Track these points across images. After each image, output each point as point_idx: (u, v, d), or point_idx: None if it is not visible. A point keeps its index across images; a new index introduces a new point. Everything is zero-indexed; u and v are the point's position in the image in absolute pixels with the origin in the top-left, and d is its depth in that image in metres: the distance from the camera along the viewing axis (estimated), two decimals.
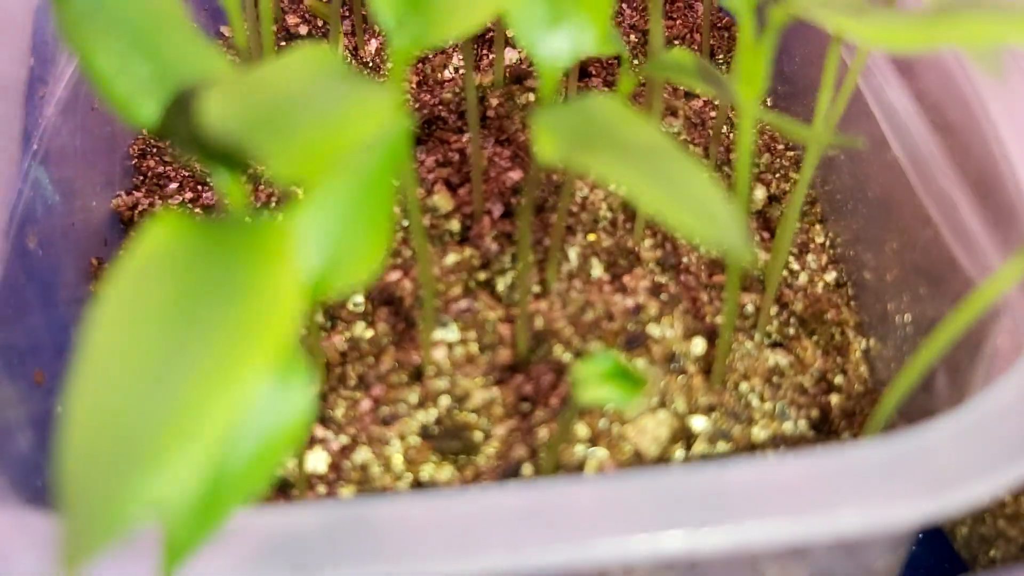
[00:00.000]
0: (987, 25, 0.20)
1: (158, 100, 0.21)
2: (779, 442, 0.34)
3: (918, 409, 0.33)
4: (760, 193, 0.44)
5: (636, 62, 0.51)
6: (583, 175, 0.40)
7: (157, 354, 0.17)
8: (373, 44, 0.51)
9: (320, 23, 0.52)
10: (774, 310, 0.39)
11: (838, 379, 0.37)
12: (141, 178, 0.46)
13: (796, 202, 0.35)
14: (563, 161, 0.22)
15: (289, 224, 0.20)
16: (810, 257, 0.42)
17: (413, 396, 0.34)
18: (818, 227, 0.43)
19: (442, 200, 0.42)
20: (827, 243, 0.43)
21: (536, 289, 0.38)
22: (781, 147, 0.47)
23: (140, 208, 0.44)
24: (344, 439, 0.33)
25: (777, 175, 0.46)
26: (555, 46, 0.26)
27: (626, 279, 0.38)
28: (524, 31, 0.26)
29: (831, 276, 0.41)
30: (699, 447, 0.32)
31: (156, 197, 0.45)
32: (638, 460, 0.32)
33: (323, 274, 0.21)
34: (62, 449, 0.16)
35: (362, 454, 0.32)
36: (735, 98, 0.26)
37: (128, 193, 0.45)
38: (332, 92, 0.22)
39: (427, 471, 0.32)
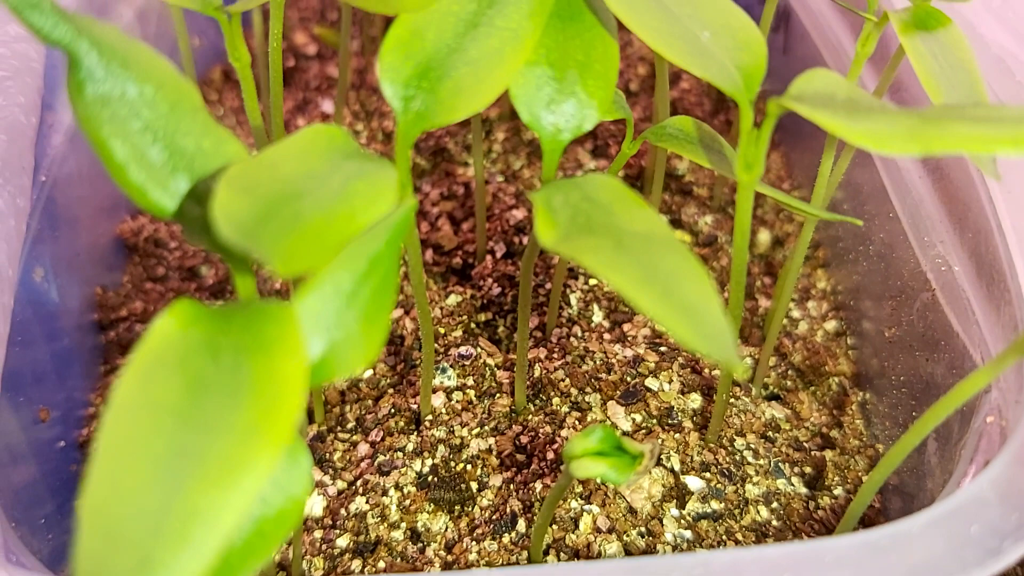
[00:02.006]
0: (974, 135, 0.21)
1: (173, 188, 0.21)
2: (772, 499, 0.34)
3: (909, 470, 0.34)
4: (764, 236, 0.45)
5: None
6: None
7: (170, 451, 0.18)
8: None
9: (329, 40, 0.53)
10: (773, 360, 0.39)
11: (834, 432, 0.37)
12: None
13: (796, 262, 0.35)
14: (560, 250, 0.23)
15: (294, 310, 0.20)
16: (811, 304, 0.42)
17: (410, 444, 0.35)
18: (820, 272, 0.44)
19: (445, 236, 0.43)
20: (829, 289, 0.43)
21: (537, 334, 0.38)
22: (786, 187, 0.48)
23: (145, 234, 0.45)
24: (341, 484, 0.34)
25: (781, 216, 0.46)
26: (558, 122, 0.27)
27: (626, 327, 0.38)
28: (528, 108, 0.26)
29: (831, 325, 0.41)
30: (692, 505, 0.33)
31: (161, 222, 0.45)
32: (632, 517, 0.32)
33: (323, 363, 0.21)
34: (81, 546, 0.16)
35: (359, 503, 0.33)
36: (735, 176, 0.26)
37: (133, 218, 0.45)
38: (339, 175, 0.23)
39: (422, 520, 0.33)
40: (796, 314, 0.41)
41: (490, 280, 0.41)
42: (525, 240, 0.42)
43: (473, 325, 0.39)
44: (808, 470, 0.35)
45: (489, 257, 0.41)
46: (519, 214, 0.43)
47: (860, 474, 0.36)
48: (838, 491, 0.35)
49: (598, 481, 0.33)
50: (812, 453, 0.36)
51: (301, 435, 0.20)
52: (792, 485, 0.35)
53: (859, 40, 0.29)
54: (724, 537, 0.32)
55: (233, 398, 0.19)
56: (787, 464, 0.35)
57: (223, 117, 0.50)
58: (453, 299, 0.40)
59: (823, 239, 0.44)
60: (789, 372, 0.39)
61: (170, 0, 0.25)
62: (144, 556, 0.17)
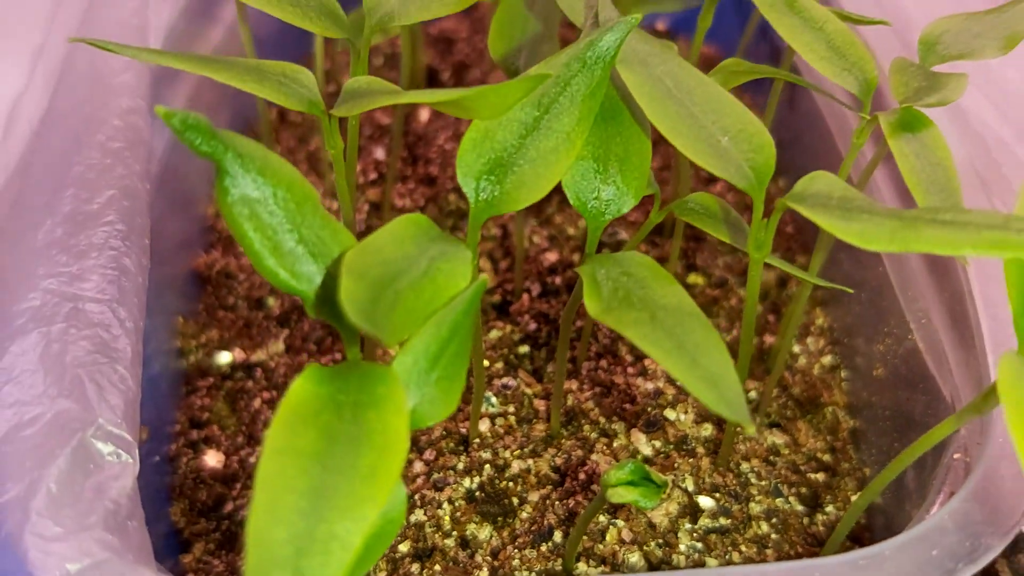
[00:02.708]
0: (942, 238, 0.26)
1: (299, 270, 0.27)
2: (771, 515, 0.39)
3: (891, 493, 0.39)
4: (769, 277, 0.50)
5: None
6: None
7: (314, 487, 0.23)
8: (425, 111, 0.57)
9: None
10: (775, 392, 0.44)
11: (827, 457, 0.43)
12: (216, 236, 0.52)
13: (798, 309, 0.41)
14: (605, 320, 0.28)
15: (395, 371, 0.26)
16: (810, 340, 0.47)
17: (460, 463, 0.40)
18: (819, 310, 0.49)
19: (486, 275, 0.48)
20: (826, 326, 0.48)
21: (569, 367, 0.44)
22: (790, 229, 0.53)
23: (217, 267, 0.50)
24: None
25: (786, 255, 0.51)
26: (601, 207, 0.32)
27: (647, 362, 0.44)
28: (576, 195, 0.32)
29: (827, 359, 0.47)
30: (703, 521, 0.38)
31: (231, 256, 0.51)
32: (651, 531, 0.38)
33: (416, 414, 0.27)
34: (249, 561, 0.22)
35: (417, 515, 0.38)
36: (748, 252, 0.32)
37: (207, 252, 0.51)
38: (426, 256, 0.28)
39: (471, 530, 0.38)
40: (796, 349, 0.47)
41: (527, 316, 0.46)
42: (558, 280, 0.48)
43: (512, 357, 0.44)
44: (804, 490, 0.41)
45: (526, 295, 0.47)
46: (552, 256, 0.49)
47: (849, 494, 0.41)
48: (830, 509, 0.40)
49: None
50: (808, 475, 0.41)
51: None
52: (789, 504, 0.40)
53: (855, 132, 0.34)
54: (730, 548, 0.38)
55: (355, 446, 0.24)
56: (786, 485, 0.41)
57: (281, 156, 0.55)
58: (495, 333, 0.45)
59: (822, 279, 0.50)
60: (789, 403, 0.44)
61: (274, 99, 0.30)
62: (296, 569, 0.22)
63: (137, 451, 0.29)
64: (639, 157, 0.32)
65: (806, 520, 0.40)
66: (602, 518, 0.38)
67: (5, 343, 0.31)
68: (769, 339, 0.47)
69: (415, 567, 0.37)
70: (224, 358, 0.46)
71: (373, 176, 0.53)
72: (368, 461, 0.24)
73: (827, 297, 0.49)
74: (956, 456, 0.33)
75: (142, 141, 0.37)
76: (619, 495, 0.31)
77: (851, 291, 0.37)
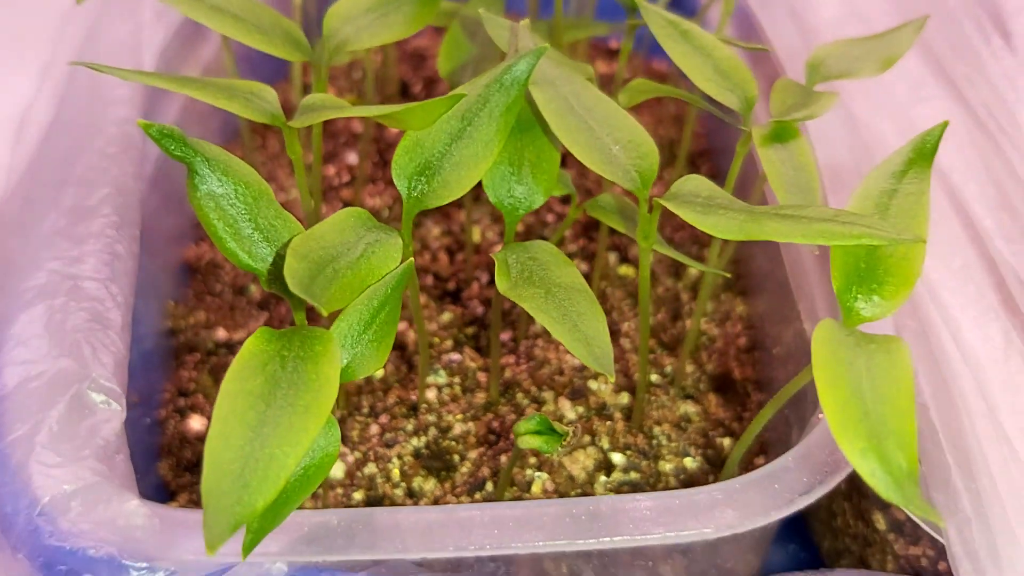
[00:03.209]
0: (780, 229, 0.32)
1: (256, 253, 0.33)
2: (680, 472, 0.45)
3: (781, 443, 0.45)
4: (693, 270, 0.56)
5: None
6: None
7: (259, 419, 0.29)
8: None
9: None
10: (691, 368, 0.50)
11: (735, 425, 0.49)
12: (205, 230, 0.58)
13: (703, 294, 0.47)
14: (509, 295, 0.34)
15: (332, 334, 0.32)
16: (728, 324, 0.53)
17: (410, 425, 0.46)
18: (739, 299, 0.55)
19: (443, 266, 0.54)
20: (744, 313, 0.54)
21: (510, 344, 0.50)
22: None
23: (205, 258, 0.56)
24: (357, 455, 0.45)
25: (705, 252, 0.57)
26: (515, 202, 0.38)
27: None
28: (494, 193, 0.38)
29: (742, 340, 0.53)
30: (616, 476, 0.44)
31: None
32: (571, 482, 0.44)
33: (348, 368, 0.33)
34: (204, 477, 0.28)
35: (370, 468, 0.45)
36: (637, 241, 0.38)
37: (196, 244, 0.57)
38: (363, 243, 0.34)
39: (417, 483, 0.44)
40: (716, 332, 0.53)
41: (476, 301, 0.52)
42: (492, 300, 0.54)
43: (462, 336, 0.51)
44: (710, 452, 0.47)
45: (476, 283, 0.53)
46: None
47: (751, 456, 0.47)
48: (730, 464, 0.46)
49: (549, 456, 0.44)
50: (715, 440, 0.47)
51: (333, 415, 0.31)
52: (696, 462, 0.46)
53: (739, 143, 0.40)
54: None
55: (295, 389, 0.30)
56: (694, 447, 0.47)
57: (266, 162, 0.62)
58: (447, 316, 0.51)
59: (743, 272, 0.56)
60: (703, 378, 0.50)
61: (242, 113, 0.36)
62: (242, 482, 0.28)
63: (124, 400, 0.35)
64: (548, 163, 0.38)
65: (710, 477, 0.46)
66: (529, 471, 0.44)
67: (16, 313, 0.37)
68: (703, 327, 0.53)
69: None
70: (210, 338, 0.52)
71: (346, 179, 0.60)
72: (304, 401, 0.30)
73: (746, 287, 0.55)
74: (820, 416, 0.39)
75: (135, 146, 0.44)
76: (526, 441, 0.37)
77: (728, 275, 0.43)
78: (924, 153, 0.35)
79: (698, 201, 0.35)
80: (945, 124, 0.35)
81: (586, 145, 0.36)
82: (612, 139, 0.37)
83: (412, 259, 0.35)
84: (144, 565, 0.32)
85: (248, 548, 0.31)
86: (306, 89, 0.64)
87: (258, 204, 0.33)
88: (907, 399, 0.29)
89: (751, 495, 0.34)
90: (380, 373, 0.49)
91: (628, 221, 0.40)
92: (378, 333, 0.34)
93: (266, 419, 0.29)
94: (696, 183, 0.36)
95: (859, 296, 0.33)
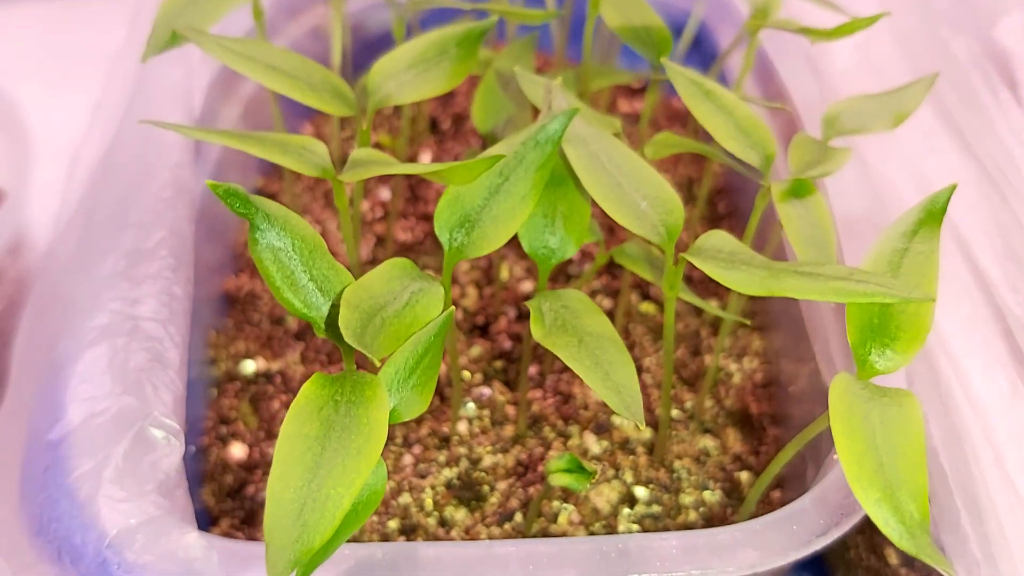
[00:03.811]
0: (798, 286, 0.34)
1: (311, 301, 0.35)
2: (699, 505, 0.48)
3: (798, 479, 0.47)
4: (715, 302, 0.58)
5: None
6: None
7: (316, 461, 0.31)
8: (427, 156, 0.66)
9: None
10: (710, 403, 0.53)
11: (751, 459, 0.51)
12: (244, 262, 0.61)
13: (723, 332, 0.49)
14: (544, 343, 0.37)
15: (380, 379, 0.34)
16: (746, 360, 0.56)
17: (442, 457, 0.49)
18: (756, 335, 0.57)
19: (471, 300, 0.57)
20: (760, 349, 0.57)
21: (537, 378, 0.52)
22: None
23: (245, 289, 0.59)
24: (392, 484, 0.48)
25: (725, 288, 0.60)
26: (547, 252, 0.41)
27: None
28: (528, 243, 0.40)
29: (759, 376, 0.55)
30: (639, 508, 0.47)
31: (256, 279, 0.60)
32: (595, 514, 0.46)
33: (396, 411, 0.35)
34: (267, 515, 0.30)
35: (404, 497, 0.47)
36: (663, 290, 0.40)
37: (236, 275, 0.60)
38: (407, 292, 0.37)
39: (448, 512, 0.47)
40: (733, 368, 0.55)
41: (504, 335, 0.55)
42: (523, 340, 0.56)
43: (490, 370, 0.53)
44: (728, 485, 0.49)
45: (504, 318, 0.55)
46: (528, 286, 0.57)
47: (767, 490, 0.49)
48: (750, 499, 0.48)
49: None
50: (732, 473, 0.50)
51: None
52: (715, 495, 0.48)
53: (758, 196, 0.43)
54: (661, 530, 0.46)
55: (348, 433, 0.32)
56: (712, 480, 0.49)
57: (302, 193, 0.64)
58: (475, 350, 0.54)
59: (759, 309, 0.58)
60: (721, 413, 0.52)
61: (296, 168, 0.39)
62: (301, 521, 0.30)
63: (183, 437, 0.38)
64: (579, 215, 0.41)
65: (728, 509, 0.48)
66: (556, 503, 0.46)
67: (82, 352, 0.40)
68: (711, 358, 0.55)
69: (401, 539, 0.46)
70: (249, 367, 0.55)
71: (380, 214, 0.62)
72: (356, 444, 0.32)
73: (764, 323, 0.57)
74: (835, 456, 0.41)
75: (188, 190, 0.46)
76: (557, 479, 0.39)
77: (747, 322, 0.45)
78: (933, 214, 0.37)
79: (721, 256, 0.37)
80: (954, 187, 0.37)
81: (616, 201, 0.39)
82: (640, 195, 0.39)
83: (453, 308, 0.37)
84: None
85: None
86: (342, 125, 0.67)
87: (313, 257, 0.36)
88: (918, 452, 0.31)
89: (771, 536, 0.37)
90: None
91: (654, 269, 0.43)
92: (422, 378, 0.36)
93: (322, 461, 0.32)
94: (719, 238, 0.38)
95: (873, 350, 0.35)
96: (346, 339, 0.33)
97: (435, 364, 0.37)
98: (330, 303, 0.36)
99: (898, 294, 0.33)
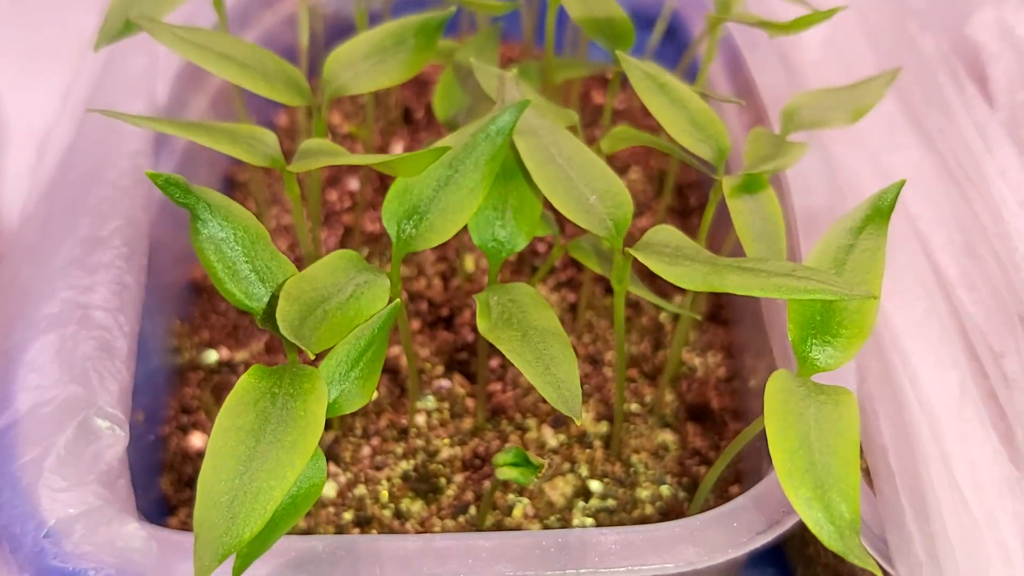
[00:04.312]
0: (740, 282, 0.34)
1: (252, 292, 0.35)
2: (655, 500, 0.48)
3: (753, 484, 0.47)
4: (677, 299, 0.58)
5: None
6: None
7: (249, 454, 0.31)
8: (399, 147, 0.66)
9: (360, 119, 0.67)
10: (671, 398, 0.53)
11: (711, 453, 0.51)
12: None
13: (682, 327, 0.49)
14: (488, 336, 0.37)
15: (320, 372, 0.34)
16: (710, 355, 0.56)
17: (399, 449, 0.48)
18: (721, 329, 0.57)
19: (436, 291, 0.57)
20: (725, 344, 0.56)
21: (499, 371, 0.52)
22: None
23: (210, 279, 0.59)
24: (349, 476, 0.48)
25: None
26: (498, 245, 0.40)
27: None
28: (479, 236, 0.40)
29: (721, 371, 0.55)
30: (593, 502, 0.47)
31: None
32: (550, 508, 0.46)
33: (335, 404, 0.35)
34: (196, 508, 0.30)
35: (360, 489, 0.47)
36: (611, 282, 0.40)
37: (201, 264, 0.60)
38: (352, 284, 0.37)
39: (405, 504, 0.47)
40: (697, 361, 0.55)
41: (467, 328, 0.54)
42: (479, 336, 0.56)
43: (452, 362, 0.53)
44: (686, 480, 0.49)
45: (468, 310, 0.55)
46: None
47: (726, 484, 0.49)
48: (708, 496, 0.48)
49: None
50: (691, 468, 0.49)
51: (322, 442, 0.33)
52: (672, 490, 0.48)
53: (712, 191, 0.42)
54: (615, 524, 0.46)
55: (284, 425, 0.32)
56: (670, 475, 0.49)
57: (272, 183, 0.64)
58: (438, 342, 0.54)
59: (725, 302, 0.58)
60: (682, 408, 0.52)
61: (244, 158, 0.39)
62: (231, 514, 0.30)
63: (128, 427, 0.38)
64: (530, 208, 0.40)
65: (685, 504, 0.48)
66: (511, 496, 0.46)
67: (30, 341, 0.40)
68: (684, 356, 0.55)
69: (356, 531, 0.46)
70: (212, 356, 0.55)
71: (348, 204, 0.62)
72: (292, 437, 0.32)
73: (728, 317, 0.57)
74: None
75: (145, 179, 0.46)
76: (503, 473, 0.39)
77: (698, 316, 0.45)
78: (881, 211, 0.37)
79: (666, 252, 0.37)
80: (902, 183, 0.37)
81: (564, 195, 0.39)
82: (590, 189, 0.39)
83: (399, 300, 0.37)
84: None
85: (237, 573, 0.33)
86: (309, 114, 0.67)
87: (255, 247, 0.36)
88: (852, 451, 0.31)
89: (711, 533, 0.37)
90: (373, 397, 0.51)
91: (606, 263, 0.43)
92: (364, 371, 0.36)
93: (255, 454, 0.32)
94: (666, 233, 0.38)
95: (814, 346, 0.35)
96: (282, 331, 0.33)
97: (379, 357, 0.36)
98: (270, 292, 0.36)
99: (840, 291, 0.33)
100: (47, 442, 0.36)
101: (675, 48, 0.68)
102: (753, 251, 0.39)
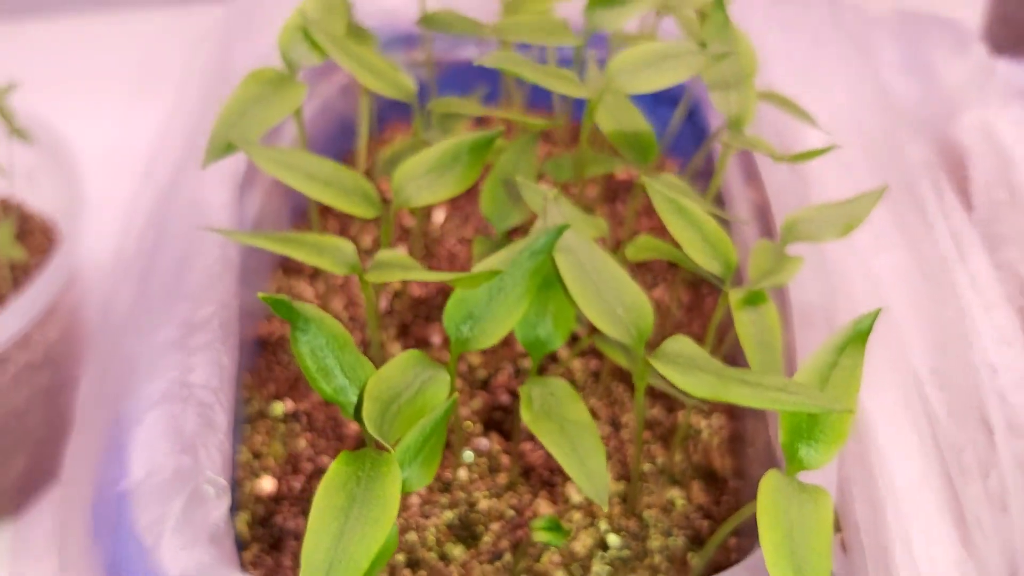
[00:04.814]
0: (742, 394, 0.42)
1: (347, 391, 0.43)
2: (664, 549, 0.55)
3: (749, 536, 0.55)
4: None
5: None
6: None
7: (341, 529, 0.39)
8: (442, 213, 0.73)
9: None
10: (679, 458, 0.60)
11: (713, 509, 0.58)
12: None
13: (689, 408, 0.57)
14: (531, 427, 0.44)
15: (394, 457, 0.42)
16: (714, 417, 0.63)
17: (444, 500, 0.56)
18: None
19: (476, 357, 0.64)
20: (729, 407, 0.64)
21: (529, 432, 0.60)
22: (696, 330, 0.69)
23: (276, 334, 0.67)
24: (400, 522, 0.56)
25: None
26: (538, 343, 0.48)
27: None
28: (522, 335, 0.48)
29: (725, 433, 0.62)
30: (611, 552, 0.54)
31: (286, 326, 0.67)
32: (572, 557, 0.54)
33: (406, 483, 0.43)
34: (303, 566, 0.38)
35: (411, 535, 0.55)
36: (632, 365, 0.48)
37: (268, 321, 0.68)
38: (419, 380, 0.45)
39: (448, 548, 0.54)
40: (703, 424, 0.63)
41: (502, 389, 0.62)
42: (527, 363, 0.64)
43: (490, 421, 0.61)
44: (690, 532, 0.57)
45: (503, 373, 0.63)
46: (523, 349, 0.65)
47: (726, 537, 0.57)
48: (709, 547, 0.56)
49: None
50: (695, 522, 0.57)
51: None
52: (678, 542, 0.56)
53: (720, 298, 0.50)
54: (629, 572, 0.54)
55: (367, 505, 0.40)
56: (677, 528, 0.56)
57: None
58: (477, 402, 0.61)
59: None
60: (689, 468, 0.60)
61: (329, 268, 0.46)
62: (328, 572, 0.38)
63: (230, 494, 0.45)
64: (566, 313, 0.48)
65: (689, 553, 0.56)
66: (540, 545, 0.54)
67: (144, 414, 0.48)
68: (692, 418, 0.63)
69: (407, 571, 0.54)
70: (279, 408, 0.62)
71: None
72: (375, 514, 0.40)
73: None
74: None
75: (234, 266, 0.54)
76: (539, 535, 0.47)
77: (704, 408, 0.52)
78: (860, 334, 0.44)
79: (680, 361, 0.45)
80: (878, 312, 0.44)
81: (596, 307, 0.46)
82: (617, 302, 0.47)
83: (455, 396, 0.45)
84: None
85: None
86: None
87: (343, 352, 0.44)
88: (825, 542, 0.39)
89: None
90: None
91: (629, 355, 0.50)
92: (428, 455, 0.44)
93: (346, 529, 0.39)
94: (681, 343, 0.46)
95: (800, 448, 0.43)
96: (369, 431, 0.41)
97: (439, 443, 0.44)
98: (356, 389, 0.43)
99: (823, 406, 0.41)
100: (165, 507, 0.44)
101: (692, 129, 0.76)
102: (754, 357, 0.47)
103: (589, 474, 0.42)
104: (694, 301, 0.70)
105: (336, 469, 0.41)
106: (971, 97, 0.67)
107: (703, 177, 0.72)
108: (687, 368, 0.44)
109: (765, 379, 0.43)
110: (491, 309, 0.47)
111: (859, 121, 0.63)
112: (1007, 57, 0.73)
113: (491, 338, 0.46)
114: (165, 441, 0.47)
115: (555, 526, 0.47)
